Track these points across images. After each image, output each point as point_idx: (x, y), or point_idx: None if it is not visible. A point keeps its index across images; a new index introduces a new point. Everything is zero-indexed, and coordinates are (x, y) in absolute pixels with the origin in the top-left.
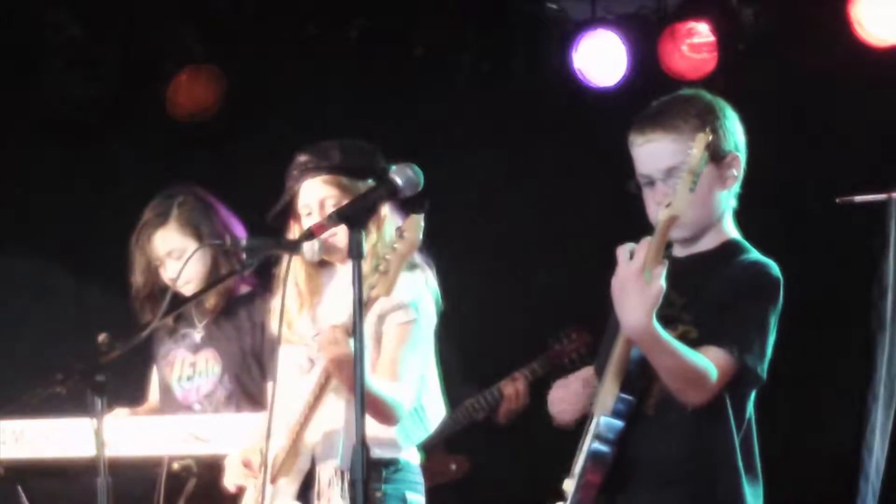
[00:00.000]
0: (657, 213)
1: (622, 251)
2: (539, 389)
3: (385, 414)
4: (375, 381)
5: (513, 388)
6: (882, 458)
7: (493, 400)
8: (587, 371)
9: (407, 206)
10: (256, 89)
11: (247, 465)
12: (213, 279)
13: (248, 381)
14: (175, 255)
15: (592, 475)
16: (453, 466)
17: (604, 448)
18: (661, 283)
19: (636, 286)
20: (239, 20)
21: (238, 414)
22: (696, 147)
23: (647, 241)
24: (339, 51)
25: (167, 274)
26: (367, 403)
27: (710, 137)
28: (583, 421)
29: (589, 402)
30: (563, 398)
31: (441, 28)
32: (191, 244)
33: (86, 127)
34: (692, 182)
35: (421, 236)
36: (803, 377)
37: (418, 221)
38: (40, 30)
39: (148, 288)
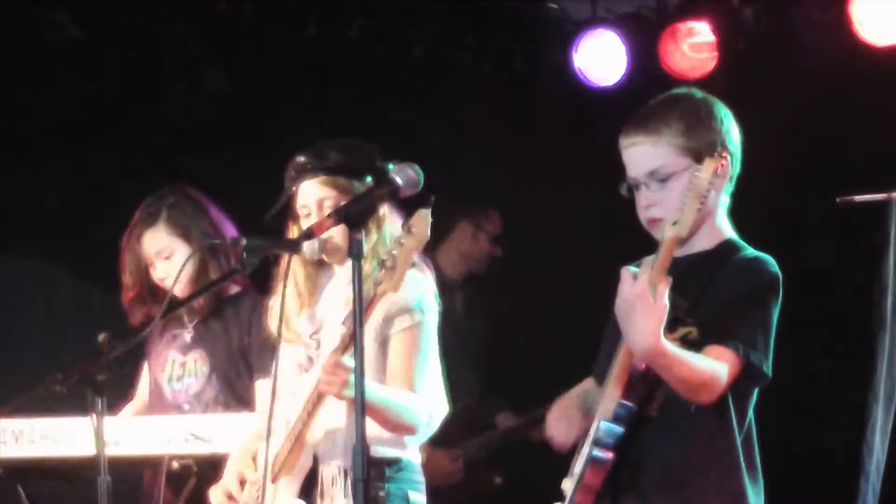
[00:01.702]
0: (645, 215)
1: (625, 272)
2: None
3: (405, 426)
4: (393, 395)
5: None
6: (882, 457)
7: (533, 423)
8: (586, 384)
9: (409, 202)
10: (256, 89)
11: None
12: (202, 280)
13: (237, 380)
14: (163, 255)
15: (591, 479)
16: (498, 480)
17: (603, 454)
18: (666, 301)
19: (642, 307)
20: (239, 20)
21: (236, 414)
22: (704, 171)
23: (649, 262)
24: (339, 51)
25: (157, 274)
26: (386, 417)
27: (719, 162)
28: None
29: (583, 429)
30: (558, 422)
31: (441, 28)
32: (179, 245)
33: (86, 127)
34: (699, 204)
35: (428, 232)
36: (803, 377)
37: (426, 217)
38: (40, 30)
39: (137, 288)
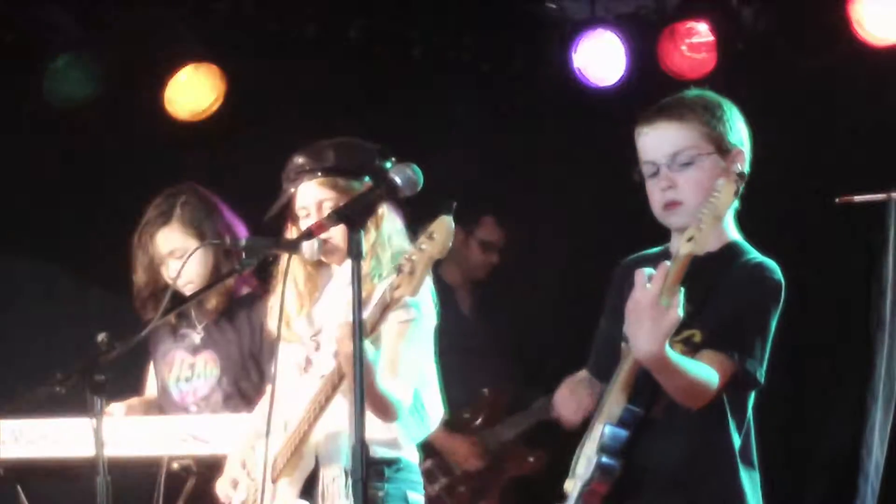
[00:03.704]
0: (661, 198)
1: (640, 275)
2: None
3: (386, 411)
4: (378, 378)
5: None
6: (881, 457)
7: None
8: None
9: (408, 204)
10: (256, 89)
11: (236, 482)
12: (213, 279)
13: (247, 384)
14: (177, 254)
15: (599, 485)
16: (531, 459)
17: (611, 461)
18: (679, 312)
19: (652, 313)
20: (239, 20)
21: (237, 414)
22: (724, 192)
23: (664, 267)
24: (339, 51)
25: (169, 273)
26: (370, 400)
27: (738, 182)
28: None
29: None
30: (570, 403)
31: (441, 28)
32: (193, 244)
33: (85, 127)
34: (716, 223)
35: (450, 239)
36: (803, 377)
37: (448, 224)
38: (40, 30)
39: (150, 287)
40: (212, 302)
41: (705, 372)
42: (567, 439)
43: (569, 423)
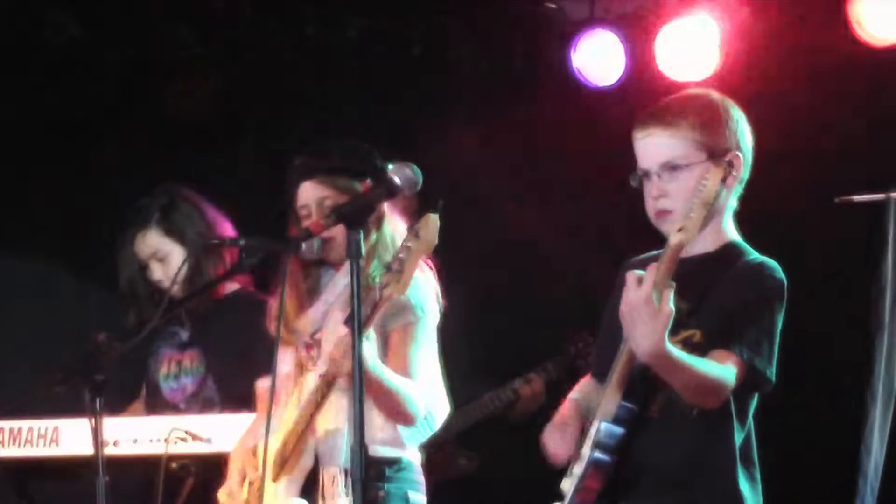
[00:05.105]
0: (654, 206)
1: (630, 277)
2: (553, 390)
3: (404, 413)
4: (400, 381)
5: (529, 389)
6: (881, 457)
7: (508, 399)
8: (583, 386)
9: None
10: (256, 89)
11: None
12: (197, 279)
13: (234, 381)
14: (157, 256)
15: (592, 482)
16: (463, 462)
17: (604, 457)
18: (671, 306)
19: (647, 312)
20: (238, 20)
21: (235, 414)
22: (711, 180)
23: (654, 266)
24: (339, 51)
25: (153, 276)
26: (386, 403)
27: (726, 170)
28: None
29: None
30: (560, 445)
31: (441, 28)
32: (172, 245)
33: (86, 127)
34: (705, 212)
35: (437, 236)
36: (802, 377)
37: (434, 221)
38: (40, 30)
39: (133, 290)
40: (194, 300)
41: (717, 369)
42: (503, 441)
43: (556, 459)
